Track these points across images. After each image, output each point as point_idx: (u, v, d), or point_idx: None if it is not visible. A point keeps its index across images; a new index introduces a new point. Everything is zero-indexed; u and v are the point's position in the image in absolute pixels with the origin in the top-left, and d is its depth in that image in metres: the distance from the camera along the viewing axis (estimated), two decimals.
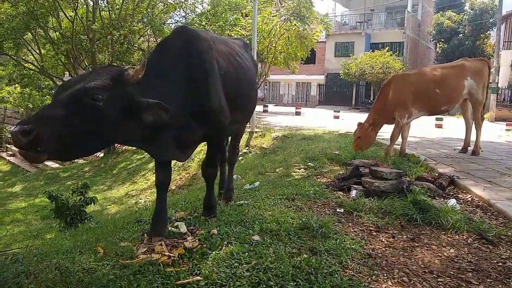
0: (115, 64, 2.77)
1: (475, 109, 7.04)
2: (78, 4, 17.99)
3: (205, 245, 2.90)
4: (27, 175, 20.44)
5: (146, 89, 2.65)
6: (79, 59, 19.45)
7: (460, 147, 7.60)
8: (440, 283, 2.60)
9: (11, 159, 27.98)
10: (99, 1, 18.52)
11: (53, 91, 28.27)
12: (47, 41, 19.36)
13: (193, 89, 2.98)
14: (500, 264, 2.87)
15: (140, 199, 10.53)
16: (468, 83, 6.73)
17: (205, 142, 3.53)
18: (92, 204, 6.80)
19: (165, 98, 2.69)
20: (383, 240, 3.28)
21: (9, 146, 30.52)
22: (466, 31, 28.06)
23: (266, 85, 34.73)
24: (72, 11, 18.13)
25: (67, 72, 22.88)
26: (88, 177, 15.45)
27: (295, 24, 17.19)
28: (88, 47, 18.57)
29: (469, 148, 7.37)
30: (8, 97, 25.64)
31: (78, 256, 2.77)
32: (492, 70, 20.97)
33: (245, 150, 10.69)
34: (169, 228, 3.25)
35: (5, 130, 32.04)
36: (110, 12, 19.02)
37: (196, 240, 2.99)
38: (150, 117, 2.58)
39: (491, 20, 27.08)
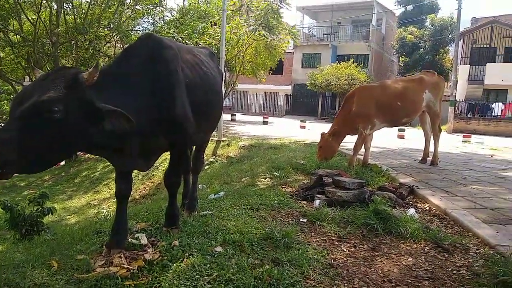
0: (69, 66, 2.64)
1: (433, 122, 7.34)
2: (42, 7, 17.41)
3: (165, 257, 2.84)
4: None
5: (108, 96, 2.59)
6: (41, 63, 18.79)
7: (420, 158, 7.87)
8: None
9: None
10: (64, 5, 18.00)
11: (12, 96, 27.18)
12: (6, 44, 18.59)
13: (157, 97, 2.94)
14: (454, 272, 2.97)
15: (102, 208, 10.20)
16: (427, 96, 7.01)
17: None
18: (50, 214, 6.52)
19: (129, 105, 2.65)
20: (345, 249, 3.33)
21: None
22: (426, 46, 29.34)
23: (234, 94, 34.80)
24: (35, 14, 17.54)
25: (28, 77, 22.06)
26: (48, 186, 14.85)
27: (263, 34, 17.38)
28: (51, 51, 17.98)
29: (428, 158, 7.65)
30: None
31: (30, 270, 2.64)
32: (450, 84, 22.01)
33: (211, 159, 10.63)
34: (129, 239, 3.16)
35: None
36: (76, 16, 18.54)
37: (157, 252, 2.92)
38: (110, 124, 2.51)
39: (450, 36, 28.44)
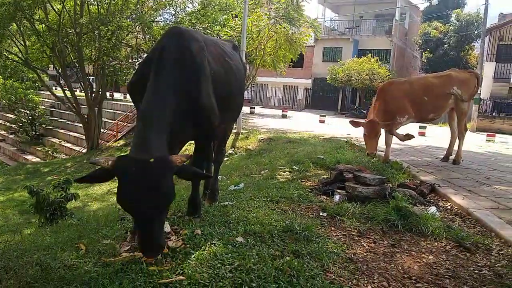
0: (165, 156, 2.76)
1: (459, 119, 7.22)
2: None
3: (188, 245, 2.90)
4: (7, 168, 20.05)
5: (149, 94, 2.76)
6: (65, 53, 19.15)
7: (442, 156, 7.75)
8: None
9: None
10: None
11: (36, 84, 27.51)
12: (32, 33, 19.01)
13: (185, 89, 3.01)
14: (476, 271, 2.94)
15: None
16: (455, 92, 6.90)
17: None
18: (74, 200, 6.69)
19: (167, 101, 2.80)
20: (365, 245, 3.33)
21: None
22: (451, 41, 28.64)
23: (253, 87, 34.78)
24: (60, 4, 17.87)
25: (52, 65, 22.53)
26: (70, 172, 15.23)
27: (284, 27, 17.27)
28: (75, 41, 18.31)
29: (450, 157, 7.53)
30: None
31: (59, 252, 2.74)
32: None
33: (230, 151, 10.71)
34: None
35: None
36: (99, 6, 18.80)
37: (180, 240, 2.99)
38: None
39: (476, 32, 27.71)
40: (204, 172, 3.55)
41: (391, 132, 6.81)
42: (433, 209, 4.29)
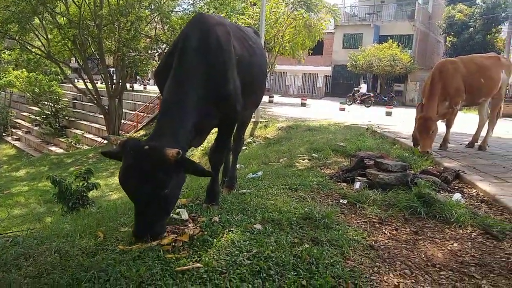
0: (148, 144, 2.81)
1: (495, 105, 7.03)
2: None
3: (206, 233, 2.87)
4: (32, 159, 20.60)
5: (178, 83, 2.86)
6: (86, 45, 19.39)
7: (467, 142, 7.52)
8: (443, 276, 2.56)
9: (16, 143, 28.21)
10: None
11: (59, 77, 28.00)
12: (54, 26, 19.27)
13: (211, 75, 3.00)
14: (504, 259, 2.83)
15: None
16: (503, 76, 6.76)
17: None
18: (94, 189, 6.82)
19: (195, 88, 2.86)
20: (386, 232, 3.25)
21: (14, 130, 30.80)
22: (477, 25, 27.64)
23: (272, 75, 34.53)
24: None
25: (73, 58, 22.87)
26: (92, 163, 15.52)
27: (302, 13, 17.05)
28: (95, 33, 18.50)
29: (476, 143, 7.30)
30: (15, 81, 25.77)
31: (78, 239, 2.76)
32: None
33: (249, 140, 10.67)
34: (171, 214, 3.22)
35: (11, 114, 32.27)
36: None
37: (197, 227, 2.97)
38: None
39: (503, 14, 26.66)
40: (217, 164, 3.54)
41: (450, 124, 6.54)
42: (457, 195, 4.16)
